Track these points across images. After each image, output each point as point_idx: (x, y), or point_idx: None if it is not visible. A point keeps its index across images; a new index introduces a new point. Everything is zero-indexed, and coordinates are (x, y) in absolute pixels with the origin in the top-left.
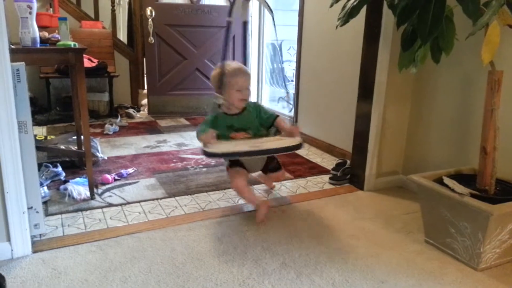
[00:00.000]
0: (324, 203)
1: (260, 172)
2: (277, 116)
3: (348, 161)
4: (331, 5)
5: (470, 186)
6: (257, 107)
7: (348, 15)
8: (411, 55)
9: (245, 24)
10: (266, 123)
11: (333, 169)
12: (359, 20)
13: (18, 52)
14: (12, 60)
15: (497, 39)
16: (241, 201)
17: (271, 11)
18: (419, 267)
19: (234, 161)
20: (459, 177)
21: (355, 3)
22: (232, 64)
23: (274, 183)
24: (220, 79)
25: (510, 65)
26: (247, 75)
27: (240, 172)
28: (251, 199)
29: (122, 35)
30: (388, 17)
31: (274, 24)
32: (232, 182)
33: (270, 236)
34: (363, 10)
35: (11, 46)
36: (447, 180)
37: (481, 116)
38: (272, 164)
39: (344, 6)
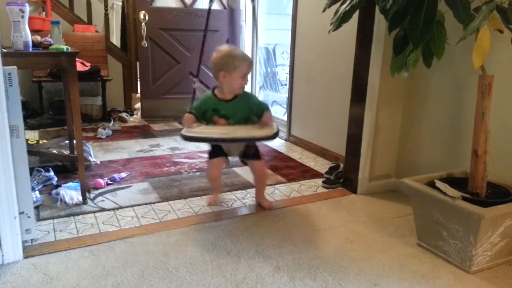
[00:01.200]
0: (317, 206)
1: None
2: (266, 108)
3: (341, 165)
4: (324, 10)
5: (462, 189)
6: (247, 97)
7: (341, 20)
8: (403, 60)
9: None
10: (256, 114)
11: (326, 172)
12: (352, 24)
13: (10, 56)
14: (4, 64)
15: (487, 44)
16: (235, 205)
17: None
18: (411, 270)
19: (215, 147)
20: (451, 180)
21: (347, 8)
22: (235, 48)
23: (267, 203)
24: (224, 62)
25: (501, 70)
26: (251, 62)
27: (217, 164)
28: (215, 188)
29: (115, 39)
30: (380, 22)
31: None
32: (208, 172)
33: (263, 240)
34: (356, 15)
35: (3, 49)
36: (439, 184)
37: (473, 120)
38: (250, 150)
39: (337, 11)
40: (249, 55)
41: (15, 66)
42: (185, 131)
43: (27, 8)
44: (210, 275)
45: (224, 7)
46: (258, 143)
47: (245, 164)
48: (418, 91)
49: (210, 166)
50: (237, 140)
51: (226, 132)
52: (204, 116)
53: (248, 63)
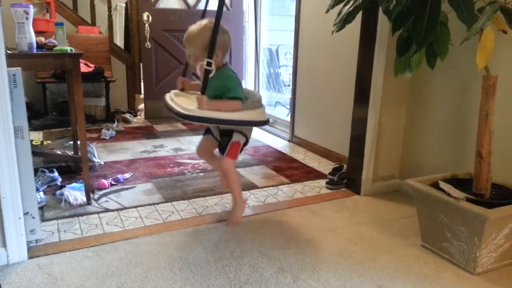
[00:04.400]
0: (321, 207)
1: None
2: (231, 97)
3: (345, 166)
4: (327, 11)
5: (466, 190)
6: (224, 77)
7: (344, 21)
8: (407, 60)
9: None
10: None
11: (329, 173)
12: (355, 25)
13: (14, 57)
14: (9, 65)
15: (491, 45)
16: None
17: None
18: (415, 271)
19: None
20: (455, 182)
21: (350, 9)
22: (196, 24)
23: (233, 218)
24: None
25: (505, 70)
26: (187, 41)
27: (204, 141)
28: (214, 165)
29: (119, 40)
30: (383, 23)
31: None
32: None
33: (267, 240)
34: (359, 16)
35: (8, 51)
36: (443, 185)
37: (477, 121)
38: (223, 140)
39: (340, 12)
40: (252, 56)
41: (20, 68)
42: (169, 95)
43: (32, 10)
44: (213, 276)
45: (227, 9)
46: (238, 131)
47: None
48: (422, 91)
49: (199, 142)
50: (170, 108)
51: (176, 103)
52: None
53: (185, 40)
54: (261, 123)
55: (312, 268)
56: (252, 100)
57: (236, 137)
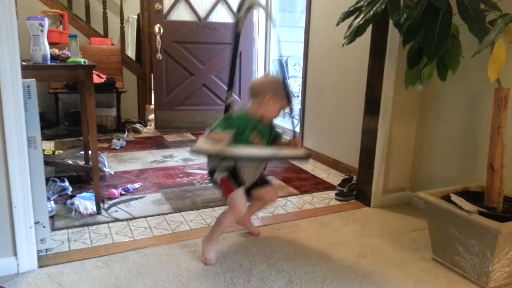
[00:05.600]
0: (330, 219)
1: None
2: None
3: (355, 177)
4: (338, 24)
5: (478, 203)
6: (272, 124)
7: (355, 34)
8: (417, 73)
9: (237, 37)
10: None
11: (339, 185)
12: (365, 37)
13: (29, 68)
14: (23, 77)
15: (503, 57)
16: None
17: (275, 25)
18: (426, 285)
19: (232, 176)
20: (467, 194)
21: (361, 22)
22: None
23: (258, 231)
24: (276, 89)
25: None
26: (279, 91)
27: (243, 195)
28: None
29: (131, 52)
30: (394, 35)
31: (279, 40)
32: (237, 209)
33: (276, 252)
34: (369, 28)
35: (23, 63)
36: (454, 198)
37: (488, 133)
38: (263, 177)
39: (351, 25)
40: (262, 67)
41: (34, 79)
42: (221, 149)
43: (46, 23)
44: (222, 287)
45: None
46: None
47: (248, 196)
48: (433, 103)
49: (237, 199)
50: (279, 158)
51: (267, 151)
52: (241, 135)
53: (289, 102)
54: None
55: (322, 281)
56: None
57: None
